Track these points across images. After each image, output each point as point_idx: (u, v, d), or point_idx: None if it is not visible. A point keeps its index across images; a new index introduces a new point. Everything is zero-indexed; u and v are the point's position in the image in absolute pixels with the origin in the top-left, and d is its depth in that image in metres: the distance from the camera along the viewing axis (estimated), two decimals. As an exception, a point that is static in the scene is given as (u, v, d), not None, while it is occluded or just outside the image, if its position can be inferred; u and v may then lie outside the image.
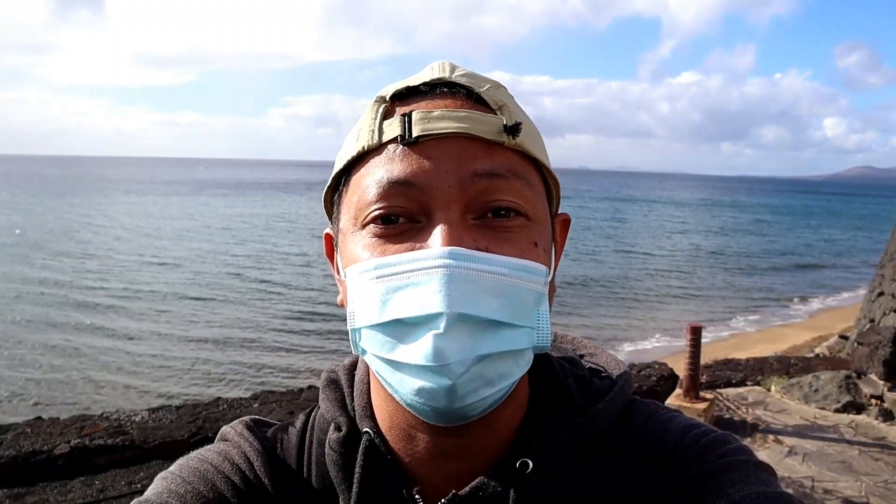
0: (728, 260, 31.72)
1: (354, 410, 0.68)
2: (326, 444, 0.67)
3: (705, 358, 7.23)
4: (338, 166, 0.62)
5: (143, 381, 11.72)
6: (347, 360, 0.75)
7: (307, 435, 0.71)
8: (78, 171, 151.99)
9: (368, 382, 0.68)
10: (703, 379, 7.15)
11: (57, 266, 23.08)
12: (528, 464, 0.60)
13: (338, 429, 0.66)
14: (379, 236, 0.57)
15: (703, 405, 5.78)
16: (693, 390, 5.89)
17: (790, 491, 4.13)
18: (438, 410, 0.54)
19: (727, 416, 6.20)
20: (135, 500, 0.64)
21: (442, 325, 0.52)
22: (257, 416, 0.76)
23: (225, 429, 0.74)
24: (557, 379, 0.67)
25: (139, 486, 4.39)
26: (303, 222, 44.49)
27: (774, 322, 18.09)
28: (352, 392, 0.69)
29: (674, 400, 5.92)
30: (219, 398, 5.96)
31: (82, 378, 11.84)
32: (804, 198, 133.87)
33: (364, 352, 0.59)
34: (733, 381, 7.47)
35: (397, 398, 0.57)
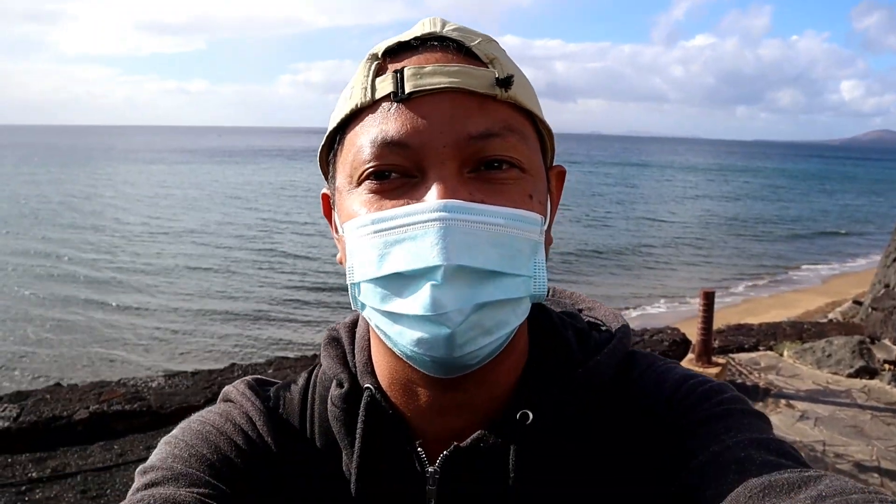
0: (741, 226, 31.49)
1: (356, 367, 0.68)
2: (329, 401, 0.67)
3: (718, 323, 7.20)
4: (332, 124, 0.62)
5: (153, 356, 11.83)
6: (348, 318, 0.75)
7: (309, 392, 0.71)
8: (88, 140, 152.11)
9: (369, 339, 0.68)
10: (716, 344, 7.15)
11: (64, 238, 23.22)
12: (528, 415, 0.60)
13: (339, 385, 0.66)
14: (375, 192, 0.57)
15: (715, 370, 5.79)
16: (706, 355, 5.89)
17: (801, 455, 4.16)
18: (438, 360, 0.54)
19: (739, 380, 6.21)
20: (140, 467, 0.65)
21: (440, 276, 0.52)
22: (259, 376, 0.76)
23: (227, 389, 0.73)
24: (557, 332, 0.67)
25: (157, 450, 4.48)
26: (313, 189, 44.49)
27: (787, 287, 18.01)
28: (353, 349, 0.70)
29: (686, 365, 5.93)
30: (233, 364, 6.03)
31: (89, 353, 11.96)
32: (820, 162, 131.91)
33: (363, 306, 0.59)
34: (746, 346, 7.46)
35: (397, 351, 0.58)
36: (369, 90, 0.57)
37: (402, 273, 0.54)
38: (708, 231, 29.01)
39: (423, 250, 0.52)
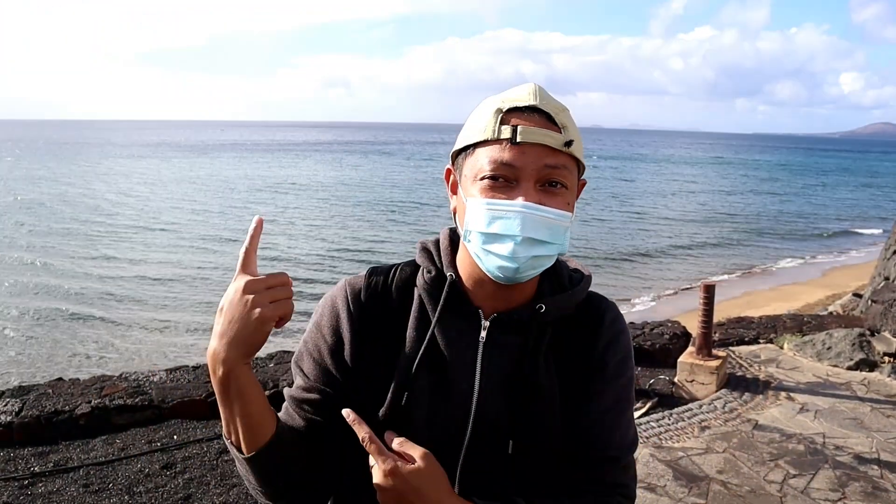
0: (740, 218, 31.49)
1: (441, 264, 1.14)
2: (420, 280, 1.13)
3: (718, 316, 7.21)
4: (467, 141, 1.05)
5: (155, 351, 11.85)
6: (433, 238, 1.20)
7: (391, 276, 1.17)
8: (86, 135, 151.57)
9: (452, 251, 1.15)
10: (716, 337, 7.16)
11: (59, 235, 23.18)
12: (542, 307, 1.09)
13: (429, 272, 1.12)
14: (489, 187, 1.01)
15: (715, 363, 5.79)
16: (706, 348, 5.89)
17: (801, 447, 4.13)
18: (506, 277, 1.01)
19: (739, 373, 6.22)
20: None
21: (519, 240, 0.98)
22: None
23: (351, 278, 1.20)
24: (557, 270, 1.16)
25: (159, 444, 4.48)
26: (313, 185, 44.41)
27: (787, 280, 18.02)
28: (439, 255, 1.16)
29: (687, 357, 5.93)
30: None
31: (89, 349, 11.96)
32: (820, 155, 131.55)
33: (469, 241, 1.04)
34: (746, 339, 7.46)
35: (482, 267, 1.03)
36: (496, 132, 1.01)
37: (498, 234, 0.99)
38: (708, 225, 29.00)
39: (512, 225, 0.98)
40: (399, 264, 1.21)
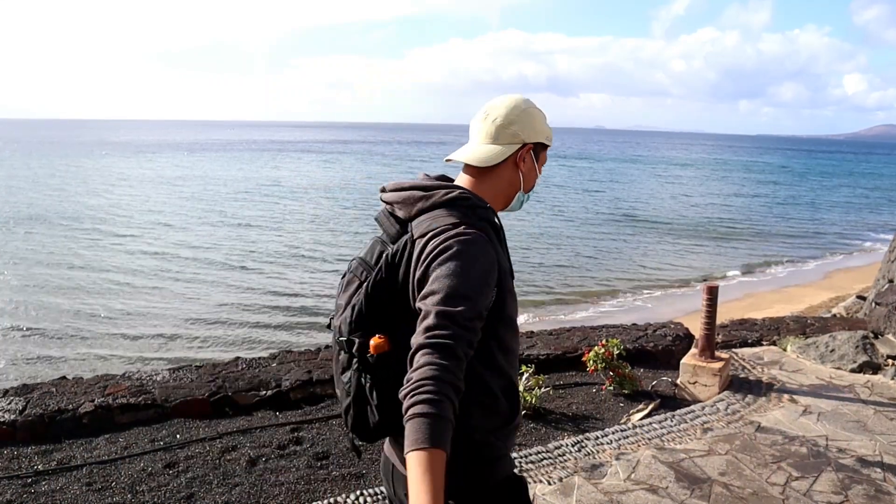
0: (743, 220, 31.42)
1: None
2: (492, 214, 1.58)
3: (721, 318, 7.19)
4: (550, 140, 1.69)
5: (157, 350, 11.87)
6: (463, 186, 1.66)
7: (489, 222, 1.59)
8: (88, 134, 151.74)
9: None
10: (719, 339, 7.14)
11: (58, 234, 23.22)
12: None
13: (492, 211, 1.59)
14: None
15: (718, 364, 5.78)
16: (708, 350, 5.87)
17: (804, 450, 4.10)
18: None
19: (742, 375, 6.21)
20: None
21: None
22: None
23: (474, 235, 1.48)
24: None
25: (161, 443, 4.49)
26: (314, 185, 44.42)
27: (790, 282, 17.98)
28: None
29: (689, 359, 5.92)
30: (238, 357, 6.04)
31: (93, 348, 12.00)
32: (823, 157, 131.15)
33: (532, 193, 1.73)
34: (749, 341, 7.45)
35: (512, 208, 1.71)
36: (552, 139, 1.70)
37: None
38: (711, 226, 28.95)
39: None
40: (475, 210, 1.54)
